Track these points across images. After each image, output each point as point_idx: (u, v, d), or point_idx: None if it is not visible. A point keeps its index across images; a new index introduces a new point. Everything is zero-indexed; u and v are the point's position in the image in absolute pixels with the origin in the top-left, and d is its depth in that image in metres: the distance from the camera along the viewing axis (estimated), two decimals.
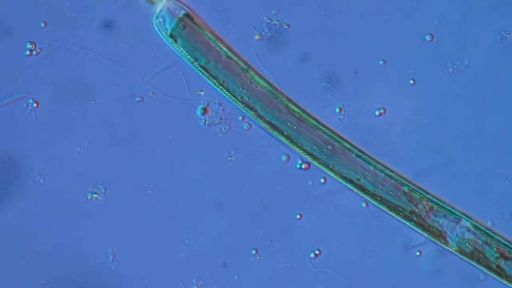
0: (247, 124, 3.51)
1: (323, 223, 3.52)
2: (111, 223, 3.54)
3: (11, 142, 3.54)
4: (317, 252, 3.50)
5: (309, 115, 3.50)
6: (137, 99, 3.52)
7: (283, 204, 3.53)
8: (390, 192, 3.48)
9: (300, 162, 3.50)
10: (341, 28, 3.53)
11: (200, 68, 3.48)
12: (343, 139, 3.50)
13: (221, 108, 3.50)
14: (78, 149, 3.53)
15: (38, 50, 3.52)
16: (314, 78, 3.51)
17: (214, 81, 3.47)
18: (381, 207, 3.48)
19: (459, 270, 3.49)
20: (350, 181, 3.49)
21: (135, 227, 3.54)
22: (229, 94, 3.48)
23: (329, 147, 3.48)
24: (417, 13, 3.52)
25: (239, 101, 3.47)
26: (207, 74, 3.48)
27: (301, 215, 3.52)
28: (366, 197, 3.48)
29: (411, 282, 3.52)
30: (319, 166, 3.49)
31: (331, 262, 3.51)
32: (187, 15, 3.48)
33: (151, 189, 3.54)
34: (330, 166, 3.49)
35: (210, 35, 3.48)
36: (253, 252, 3.52)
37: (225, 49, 3.48)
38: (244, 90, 3.47)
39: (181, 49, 3.47)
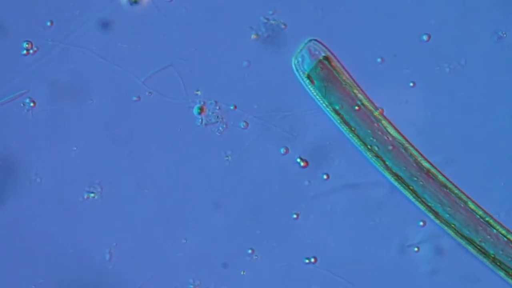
0: (244, 123, 3.52)
1: (319, 222, 3.52)
2: (107, 222, 3.54)
3: (8, 142, 3.54)
4: (312, 259, 3.50)
5: (438, 171, 3.46)
6: (134, 98, 3.53)
7: (280, 203, 3.53)
8: (511, 258, 3.43)
9: (299, 159, 3.51)
10: (338, 28, 3.53)
11: (332, 113, 3.45)
12: (469, 198, 3.46)
13: (217, 107, 3.50)
14: (75, 148, 3.53)
15: (35, 49, 3.52)
16: None
17: (345, 127, 3.44)
18: (499, 272, 3.44)
19: (456, 269, 3.50)
20: (470, 242, 3.44)
21: (131, 226, 3.54)
22: (358, 142, 3.45)
23: (453, 206, 3.43)
24: (414, 13, 3.52)
25: (368, 149, 3.44)
26: (339, 120, 3.45)
27: (298, 215, 3.52)
28: (485, 260, 3.43)
29: (408, 282, 3.52)
30: (440, 224, 3.44)
31: (328, 262, 3.51)
32: (326, 57, 3.45)
33: (148, 189, 3.54)
34: (452, 225, 3.44)
35: (346, 81, 3.44)
36: (250, 251, 3.52)
37: (360, 96, 3.44)
38: (375, 140, 3.43)
39: (316, 91, 3.44)
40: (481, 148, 3.50)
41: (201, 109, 3.50)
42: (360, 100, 3.44)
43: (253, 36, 3.51)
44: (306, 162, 3.51)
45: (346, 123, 3.43)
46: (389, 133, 3.43)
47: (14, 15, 3.55)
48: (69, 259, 3.54)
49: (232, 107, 3.50)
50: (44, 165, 3.54)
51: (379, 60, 3.50)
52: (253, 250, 3.52)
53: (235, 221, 3.54)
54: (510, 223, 3.46)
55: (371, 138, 3.43)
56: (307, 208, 3.52)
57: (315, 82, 3.41)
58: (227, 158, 3.52)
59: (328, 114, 3.45)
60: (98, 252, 3.53)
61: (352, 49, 3.52)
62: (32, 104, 3.52)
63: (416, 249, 3.49)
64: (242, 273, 3.52)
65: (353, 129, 3.43)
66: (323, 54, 3.44)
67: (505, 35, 3.49)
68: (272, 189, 3.53)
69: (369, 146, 3.42)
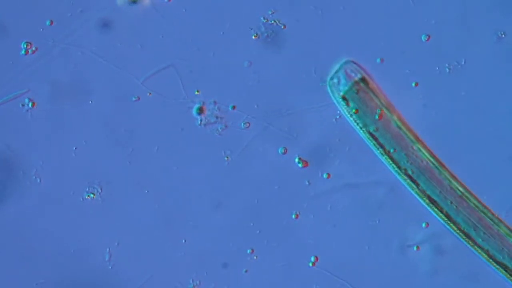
0: (244, 123, 3.51)
1: (319, 222, 3.52)
2: (107, 222, 3.54)
3: (8, 142, 3.54)
4: (313, 258, 3.50)
5: (471, 194, 3.45)
6: (134, 98, 3.53)
7: (280, 203, 3.53)
8: None
9: (298, 159, 3.51)
10: (337, 28, 3.53)
11: (367, 135, 3.43)
12: (501, 222, 3.44)
13: (216, 107, 3.50)
14: (75, 148, 3.53)
15: (34, 49, 3.52)
16: (311, 78, 3.51)
17: (380, 149, 3.42)
18: None
19: (456, 269, 3.49)
20: (505, 268, 3.41)
21: (131, 226, 3.54)
22: (393, 164, 3.42)
23: (487, 231, 3.40)
24: (414, 13, 3.52)
25: (402, 173, 3.41)
26: (373, 142, 3.43)
27: (297, 215, 3.52)
28: None
29: (408, 282, 3.51)
30: (473, 247, 3.42)
31: (328, 262, 3.51)
32: (362, 79, 3.43)
33: (148, 189, 3.54)
34: (485, 249, 3.42)
35: (383, 103, 3.43)
36: (250, 251, 3.52)
37: (395, 118, 3.43)
38: (409, 163, 3.40)
39: (351, 112, 3.42)
40: (481, 148, 3.50)
41: (200, 110, 3.50)
42: (396, 122, 3.42)
43: (253, 37, 3.51)
44: (306, 162, 3.51)
45: (381, 146, 3.41)
46: (424, 156, 3.41)
47: (14, 15, 3.55)
48: (69, 259, 3.54)
49: (231, 107, 3.50)
50: (44, 165, 3.54)
51: (378, 60, 3.50)
52: (253, 250, 3.52)
53: (235, 221, 3.54)
54: (510, 223, 3.46)
55: (406, 162, 3.41)
56: (307, 208, 3.52)
57: (351, 103, 3.38)
58: (227, 158, 3.52)
59: (363, 136, 3.44)
60: (98, 252, 3.53)
61: (352, 49, 3.52)
62: (31, 105, 3.52)
63: (416, 248, 3.48)
64: (244, 271, 3.52)
65: (388, 151, 3.41)
66: (360, 76, 3.42)
67: (504, 35, 3.49)
68: (272, 189, 3.53)
69: (403, 170, 3.40)
